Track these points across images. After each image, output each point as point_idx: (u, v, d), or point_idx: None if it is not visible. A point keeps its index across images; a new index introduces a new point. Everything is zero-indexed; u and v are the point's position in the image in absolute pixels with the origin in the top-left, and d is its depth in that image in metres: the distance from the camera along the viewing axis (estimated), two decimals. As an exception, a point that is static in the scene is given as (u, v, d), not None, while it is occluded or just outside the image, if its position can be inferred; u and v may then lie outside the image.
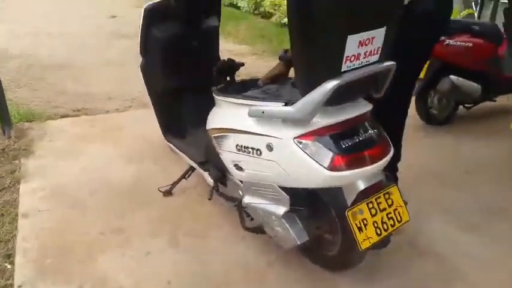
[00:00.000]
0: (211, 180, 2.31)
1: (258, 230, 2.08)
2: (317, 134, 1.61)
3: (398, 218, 1.77)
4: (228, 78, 2.30)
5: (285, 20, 7.01)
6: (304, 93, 1.55)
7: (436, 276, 2.07)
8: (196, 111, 2.78)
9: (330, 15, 1.40)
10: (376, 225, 1.70)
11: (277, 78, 2.03)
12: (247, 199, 1.96)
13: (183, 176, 2.73)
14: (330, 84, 1.47)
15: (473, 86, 3.54)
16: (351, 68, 1.53)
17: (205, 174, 2.37)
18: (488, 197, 2.76)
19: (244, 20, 8.39)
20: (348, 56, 1.49)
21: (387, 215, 1.74)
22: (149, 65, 2.79)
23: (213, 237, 2.33)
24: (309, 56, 1.50)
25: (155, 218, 2.51)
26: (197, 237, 2.33)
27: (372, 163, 1.63)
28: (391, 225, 1.74)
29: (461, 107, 3.90)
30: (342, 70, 1.51)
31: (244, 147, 1.82)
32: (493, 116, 4.17)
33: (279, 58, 2.03)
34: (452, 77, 3.47)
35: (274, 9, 8.29)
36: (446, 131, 3.76)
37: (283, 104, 1.66)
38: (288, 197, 1.75)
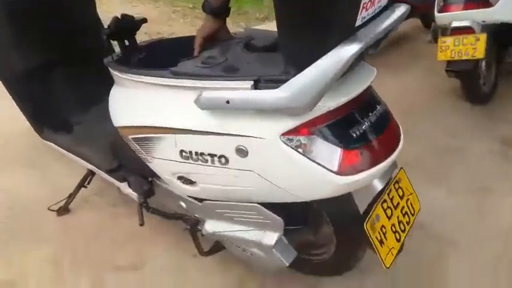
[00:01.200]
0: (132, 193, 1.61)
1: (219, 247, 1.52)
2: (313, 125, 1.05)
3: (411, 209, 1.36)
4: (126, 43, 1.55)
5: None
6: (297, 65, 0.95)
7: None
8: (83, 92, 1.96)
9: None
10: (394, 229, 1.27)
11: (211, 39, 1.36)
12: (210, 227, 1.34)
13: (81, 184, 1.95)
14: (350, 50, 0.89)
15: None
16: (364, 20, 0.97)
17: (122, 186, 1.65)
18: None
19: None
20: (365, 3, 0.92)
21: (401, 210, 1.32)
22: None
23: (151, 267, 1.68)
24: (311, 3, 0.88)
25: (57, 254, 1.74)
26: (130, 271, 1.66)
27: (389, 153, 1.14)
28: (406, 222, 1.33)
29: None
30: (356, 25, 0.94)
31: (197, 153, 1.17)
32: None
33: (203, 9, 1.33)
34: None
35: None
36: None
37: (252, 83, 1.04)
38: (280, 219, 1.20)
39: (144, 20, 1.57)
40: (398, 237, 1.27)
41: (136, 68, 1.35)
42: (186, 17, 5.34)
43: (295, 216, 1.26)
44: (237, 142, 1.10)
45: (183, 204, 1.48)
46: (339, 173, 1.06)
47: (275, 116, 1.04)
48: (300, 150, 1.06)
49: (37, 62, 1.90)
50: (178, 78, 1.17)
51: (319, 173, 1.05)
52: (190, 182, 1.27)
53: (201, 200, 1.32)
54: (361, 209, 1.23)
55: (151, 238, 1.79)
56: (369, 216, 1.19)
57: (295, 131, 1.05)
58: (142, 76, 1.26)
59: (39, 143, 2.08)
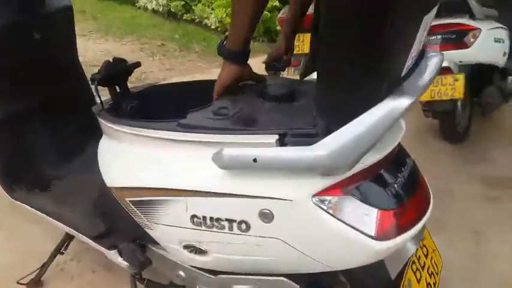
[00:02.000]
0: (122, 262, 1.41)
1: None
2: (348, 184, 0.95)
3: (436, 268, 1.27)
4: (117, 89, 1.43)
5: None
6: (333, 118, 0.87)
7: None
8: (62, 144, 1.78)
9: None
10: (424, 293, 1.17)
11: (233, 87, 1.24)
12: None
13: (57, 251, 1.72)
14: (402, 103, 0.82)
15: None
16: (407, 70, 0.91)
17: (110, 254, 1.45)
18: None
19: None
20: (413, 53, 0.87)
21: (428, 270, 1.22)
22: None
23: None
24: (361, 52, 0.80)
25: None
26: None
27: (425, 211, 1.06)
28: (433, 283, 1.22)
29: None
30: (402, 75, 0.88)
31: (212, 219, 1.03)
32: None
33: (219, 53, 1.22)
34: None
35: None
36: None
37: (277, 137, 0.94)
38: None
39: (138, 64, 1.45)
40: (429, 303, 1.17)
41: (133, 118, 1.21)
42: (155, 55, 5.28)
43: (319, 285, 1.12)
44: (261, 205, 0.97)
45: (182, 273, 1.30)
46: (377, 237, 0.95)
47: (304, 174, 0.94)
48: (332, 212, 0.95)
49: (10, 109, 1.71)
50: (189, 132, 1.04)
51: (355, 238, 0.94)
52: (201, 252, 1.12)
53: (214, 273, 1.16)
54: (393, 274, 1.11)
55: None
56: (402, 283, 1.08)
57: (327, 191, 0.94)
58: (144, 129, 1.13)
59: (8, 202, 1.85)
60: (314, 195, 0.94)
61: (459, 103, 2.84)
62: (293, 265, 1.03)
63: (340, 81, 0.86)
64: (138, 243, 1.36)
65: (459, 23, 2.66)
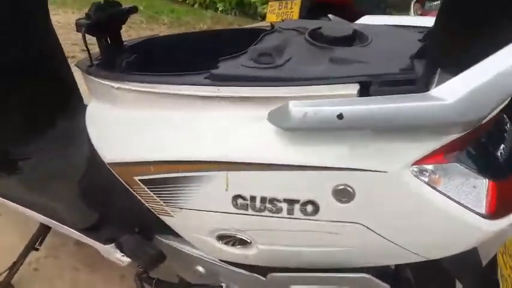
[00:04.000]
0: (122, 259, 1.11)
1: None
2: (454, 147, 0.71)
3: None
4: (108, 41, 1.11)
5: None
6: (448, 63, 0.63)
7: None
8: (30, 113, 1.43)
9: None
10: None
11: None
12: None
13: (30, 247, 1.39)
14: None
15: None
16: None
17: (105, 250, 1.14)
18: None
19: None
20: None
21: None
22: None
23: None
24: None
25: None
26: None
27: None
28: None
29: None
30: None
31: (264, 200, 0.76)
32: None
33: None
34: (330, 16, 3.04)
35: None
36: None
37: (358, 87, 0.69)
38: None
39: (134, 10, 1.13)
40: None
41: (140, 73, 0.91)
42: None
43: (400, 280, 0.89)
44: (337, 180, 0.71)
45: (200, 269, 1.04)
46: (488, 215, 0.72)
47: (401, 136, 0.68)
48: (435, 185, 0.71)
49: None
50: (228, 86, 0.77)
51: (461, 217, 0.71)
52: (242, 243, 0.85)
53: (263, 273, 0.89)
54: (485, 261, 0.90)
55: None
56: (498, 271, 0.87)
57: (429, 157, 0.70)
58: (160, 85, 0.84)
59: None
60: (413, 164, 0.69)
61: None
62: (373, 257, 0.79)
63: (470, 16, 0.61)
64: (144, 235, 1.07)
65: None
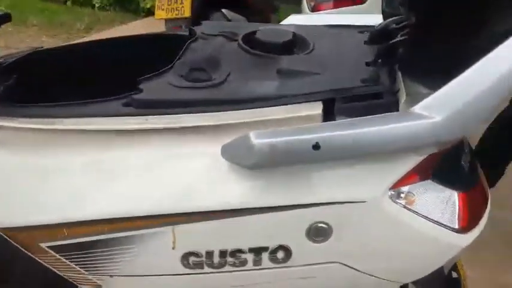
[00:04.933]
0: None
1: None
2: (428, 163, 0.65)
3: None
4: None
5: None
6: (422, 75, 0.56)
7: None
8: None
9: None
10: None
11: None
12: None
13: None
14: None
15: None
16: None
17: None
18: None
19: None
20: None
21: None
22: None
23: None
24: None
25: None
26: None
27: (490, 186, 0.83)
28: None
29: None
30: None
31: (223, 253, 0.61)
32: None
33: None
34: (224, 11, 2.97)
35: None
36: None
37: (321, 106, 0.59)
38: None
39: (7, 17, 0.87)
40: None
41: (28, 104, 0.68)
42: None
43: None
44: (311, 218, 0.60)
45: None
46: (461, 229, 0.68)
47: (375, 160, 0.60)
48: (410, 206, 0.64)
49: None
50: (159, 114, 0.60)
51: (439, 236, 0.65)
52: (197, 305, 0.69)
53: None
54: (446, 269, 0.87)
55: None
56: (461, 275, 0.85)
57: (406, 178, 0.62)
58: (60, 119, 0.63)
59: None
60: (391, 188, 0.61)
61: None
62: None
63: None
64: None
65: None
